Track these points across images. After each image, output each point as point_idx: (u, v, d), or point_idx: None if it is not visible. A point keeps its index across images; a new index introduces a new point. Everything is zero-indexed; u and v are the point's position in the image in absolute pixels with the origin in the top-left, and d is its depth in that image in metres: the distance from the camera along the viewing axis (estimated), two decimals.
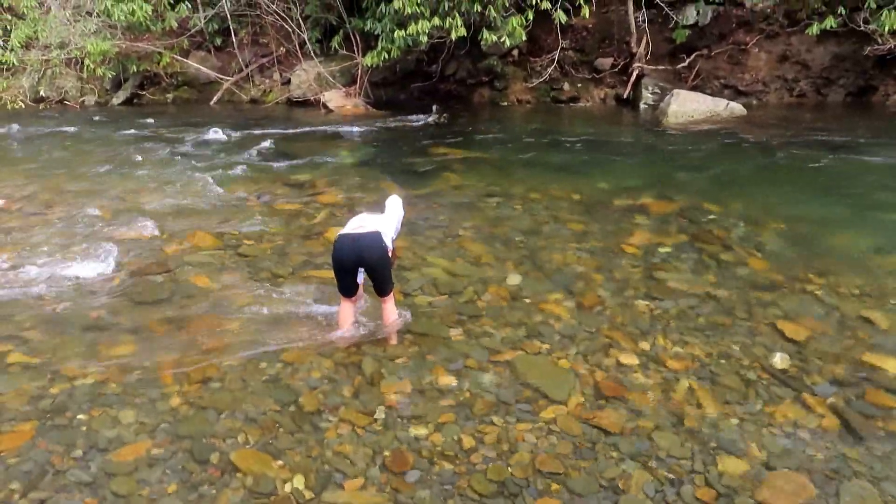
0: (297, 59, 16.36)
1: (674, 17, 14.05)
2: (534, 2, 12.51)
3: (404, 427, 3.94)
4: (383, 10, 13.65)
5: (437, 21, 12.68)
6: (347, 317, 4.90)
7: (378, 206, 5.36)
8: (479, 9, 12.74)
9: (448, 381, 4.38)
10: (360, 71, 15.46)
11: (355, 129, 13.20)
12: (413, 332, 4.96)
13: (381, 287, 4.77)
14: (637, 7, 14.06)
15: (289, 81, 16.40)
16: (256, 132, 12.88)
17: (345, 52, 15.78)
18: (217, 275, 6.07)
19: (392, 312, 4.91)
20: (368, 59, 14.30)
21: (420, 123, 13.67)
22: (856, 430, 3.80)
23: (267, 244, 6.80)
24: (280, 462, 3.67)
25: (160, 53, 16.33)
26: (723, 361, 4.53)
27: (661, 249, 6.46)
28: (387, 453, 3.73)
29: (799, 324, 4.96)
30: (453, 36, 12.90)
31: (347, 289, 4.77)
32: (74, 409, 4.11)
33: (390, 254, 4.71)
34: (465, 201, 8.14)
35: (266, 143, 11.76)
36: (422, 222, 7.25)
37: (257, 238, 6.97)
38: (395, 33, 13.10)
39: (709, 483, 3.49)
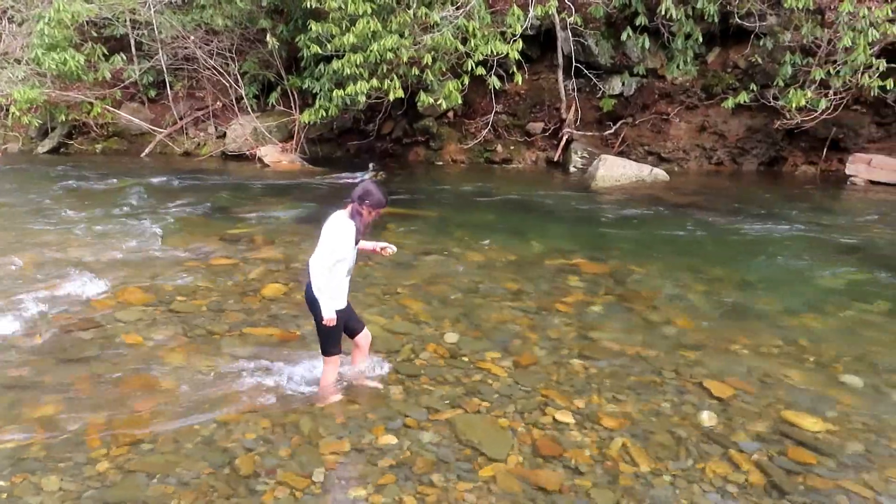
0: (233, 113, 16.38)
1: (601, 86, 14.81)
2: (469, 68, 12.99)
3: (343, 489, 3.89)
4: (322, 70, 13.92)
5: (375, 83, 13.02)
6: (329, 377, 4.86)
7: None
8: (417, 72, 13.15)
9: (388, 440, 4.36)
10: (296, 127, 15.60)
11: (291, 184, 13.21)
12: (352, 390, 4.94)
13: (319, 343, 4.74)
14: (567, 76, 14.78)
15: (224, 135, 16.36)
16: (190, 185, 12.73)
17: (282, 108, 15.91)
18: (148, 331, 5.92)
19: (328, 377, 4.83)
20: (306, 117, 14.46)
21: (356, 180, 13.77)
22: (780, 486, 3.97)
23: (201, 300, 6.68)
24: None
25: (91, 103, 16.05)
26: (654, 419, 4.68)
27: (593, 309, 6.67)
28: None
29: (724, 382, 5.18)
30: (391, 97, 13.26)
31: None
32: None
33: (325, 316, 4.44)
34: (403, 259, 8.20)
35: (200, 197, 11.62)
36: (360, 280, 7.26)
37: (191, 294, 6.84)
38: (334, 92, 13.35)
39: None
